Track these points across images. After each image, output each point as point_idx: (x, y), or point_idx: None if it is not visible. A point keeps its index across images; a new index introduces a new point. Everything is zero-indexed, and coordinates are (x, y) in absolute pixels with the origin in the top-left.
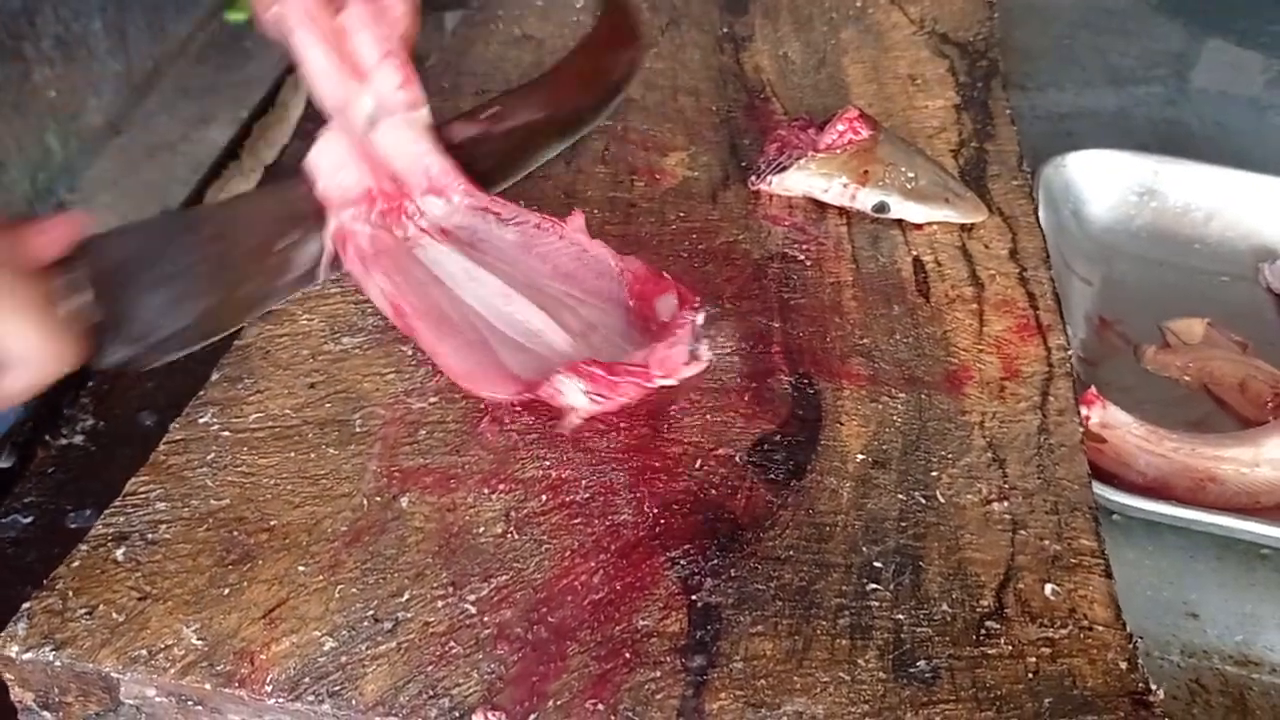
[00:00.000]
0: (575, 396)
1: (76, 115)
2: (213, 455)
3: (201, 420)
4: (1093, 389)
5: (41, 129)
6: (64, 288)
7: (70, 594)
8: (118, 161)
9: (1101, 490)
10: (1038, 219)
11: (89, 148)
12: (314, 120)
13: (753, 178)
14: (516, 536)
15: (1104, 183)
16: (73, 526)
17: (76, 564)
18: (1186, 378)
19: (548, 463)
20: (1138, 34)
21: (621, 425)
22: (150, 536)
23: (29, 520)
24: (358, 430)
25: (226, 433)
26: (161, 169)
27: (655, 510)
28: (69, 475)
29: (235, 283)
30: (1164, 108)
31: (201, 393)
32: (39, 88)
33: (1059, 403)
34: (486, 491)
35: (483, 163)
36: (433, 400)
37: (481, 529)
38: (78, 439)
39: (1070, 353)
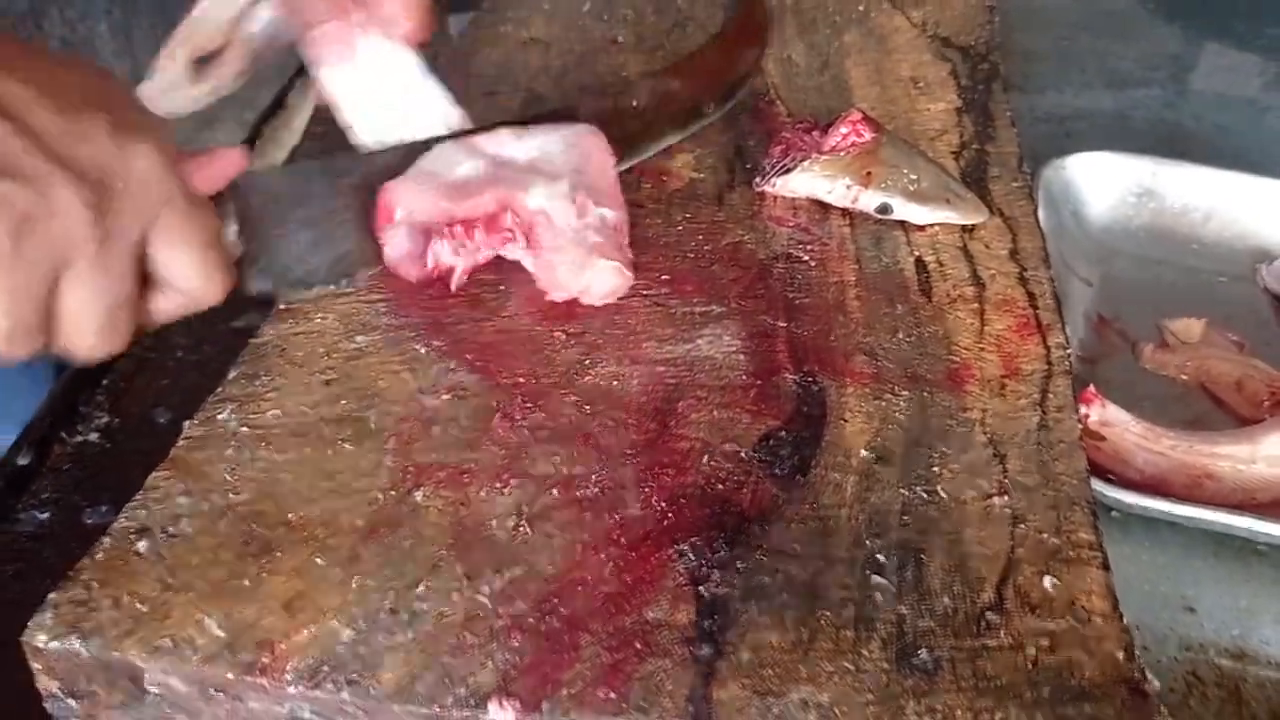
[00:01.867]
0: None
1: None
2: (231, 451)
3: (220, 416)
4: (1091, 387)
5: None
6: (220, 220)
7: (95, 585)
8: None
9: (1100, 487)
10: (1037, 220)
11: None
12: (322, 123)
13: (758, 179)
14: (529, 530)
15: (1103, 184)
16: (89, 522)
17: (100, 556)
18: (1184, 376)
19: (558, 458)
20: (1136, 37)
21: (630, 422)
22: (172, 530)
23: (46, 516)
24: (373, 427)
25: (245, 429)
26: None
27: (664, 504)
28: (85, 472)
29: (370, 228)
30: (1163, 109)
31: (220, 389)
32: None
33: (1058, 400)
34: (499, 486)
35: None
36: (445, 397)
37: (494, 523)
38: (93, 436)
39: (1069, 351)
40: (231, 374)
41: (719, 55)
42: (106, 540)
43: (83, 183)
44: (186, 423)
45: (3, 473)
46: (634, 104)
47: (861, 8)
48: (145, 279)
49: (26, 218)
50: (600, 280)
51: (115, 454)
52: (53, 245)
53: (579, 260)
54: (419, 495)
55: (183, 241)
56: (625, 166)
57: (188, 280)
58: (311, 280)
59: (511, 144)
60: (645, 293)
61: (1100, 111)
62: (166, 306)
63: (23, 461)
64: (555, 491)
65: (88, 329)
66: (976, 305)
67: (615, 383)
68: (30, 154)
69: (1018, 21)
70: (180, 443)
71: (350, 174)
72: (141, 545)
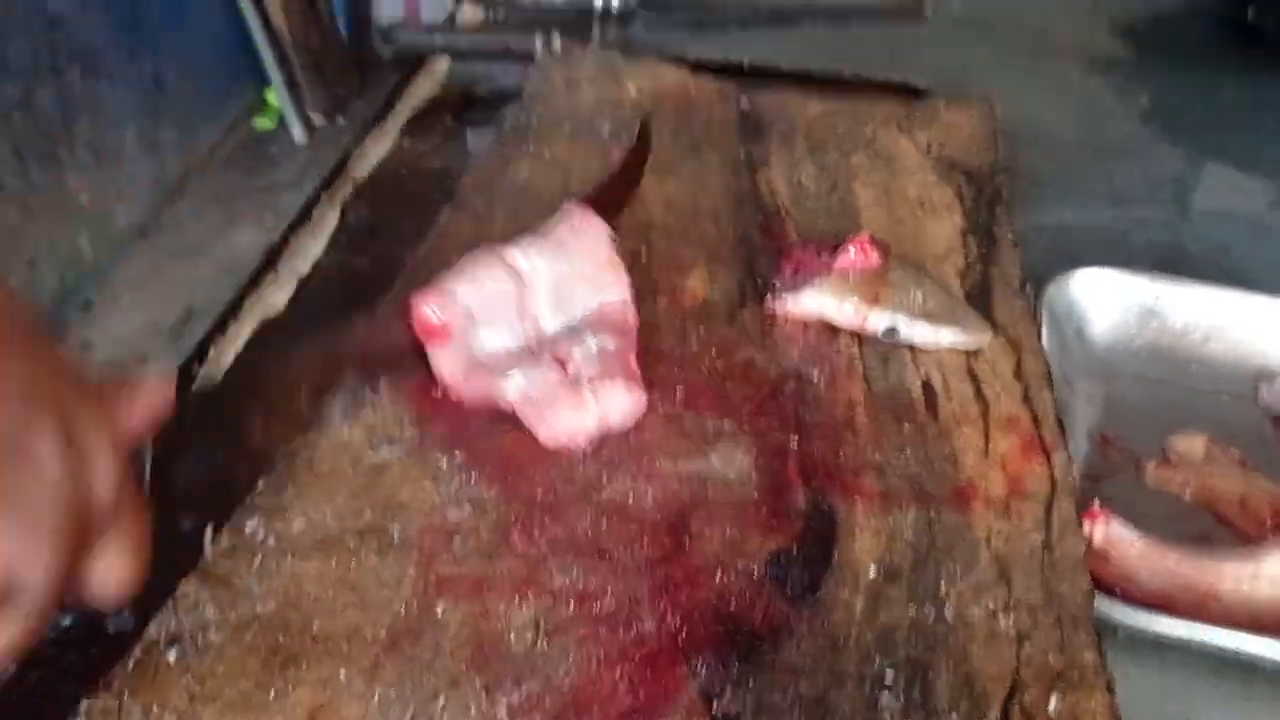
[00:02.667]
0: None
1: (107, 218)
2: (259, 562)
3: (248, 528)
4: (1095, 504)
5: (74, 231)
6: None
7: (125, 694)
8: (146, 264)
9: (1105, 605)
10: (1040, 340)
11: (118, 250)
12: (346, 232)
13: (769, 298)
14: (546, 644)
15: (1106, 302)
16: (112, 630)
17: (131, 665)
18: (1188, 494)
19: (575, 573)
20: (1140, 158)
21: (645, 537)
22: (200, 640)
23: (69, 622)
24: (396, 539)
25: (271, 540)
26: (188, 272)
27: (678, 621)
28: None
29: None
30: (1165, 229)
31: (248, 499)
32: (73, 191)
33: (1062, 519)
34: (517, 600)
35: None
36: (467, 510)
37: (513, 636)
38: None
39: (1073, 470)
40: (260, 485)
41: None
42: (137, 649)
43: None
44: (208, 531)
45: None
46: None
47: (869, 130)
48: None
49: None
50: (613, 407)
51: None
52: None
53: (574, 403)
54: (440, 607)
55: (120, 556)
56: None
57: (116, 590)
58: None
59: (531, 259)
60: (660, 409)
61: (1104, 230)
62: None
63: None
64: (572, 605)
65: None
66: (981, 425)
67: (631, 498)
68: None
69: (1022, 143)
70: (208, 552)
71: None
72: (171, 655)
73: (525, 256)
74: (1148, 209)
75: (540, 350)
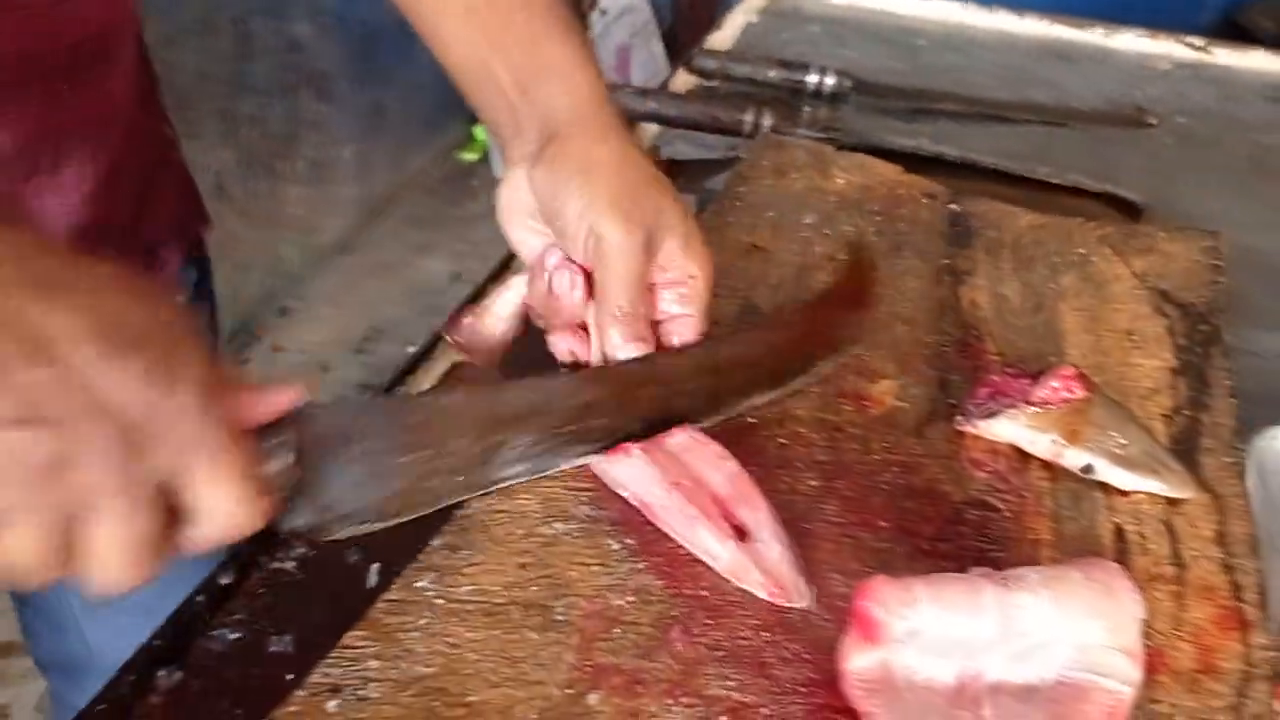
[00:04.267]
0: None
1: (314, 231)
2: (425, 621)
3: (418, 585)
4: None
5: (281, 240)
6: (269, 451)
7: None
8: (342, 278)
9: None
10: (1248, 502)
11: (319, 262)
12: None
13: (960, 418)
14: None
15: None
16: (272, 650)
17: (295, 709)
18: None
19: (731, 683)
20: None
21: (807, 657)
22: (360, 693)
23: (235, 637)
24: (558, 618)
25: (440, 600)
26: (379, 290)
27: None
28: (276, 599)
29: (423, 475)
30: None
31: (422, 557)
32: (287, 203)
33: (1255, 707)
34: (669, 702)
35: (691, 398)
36: (630, 599)
37: None
38: (289, 564)
39: (1273, 654)
40: (435, 542)
41: (819, 315)
42: (300, 693)
43: (113, 428)
44: (374, 566)
45: (207, 589)
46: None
47: (1083, 251)
48: (175, 511)
49: (54, 464)
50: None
51: (305, 585)
52: (78, 490)
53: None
54: (593, 698)
55: (216, 477)
56: (710, 423)
57: (219, 515)
58: (353, 520)
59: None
60: (836, 520)
61: None
62: (199, 538)
63: (224, 581)
64: (725, 718)
65: (111, 566)
66: (1176, 588)
67: (796, 613)
68: (63, 399)
69: (1234, 267)
70: (379, 605)
71: (411, 415)
72: (331, 705)
73: (1035, 598)
74: None
75: (965, 703)
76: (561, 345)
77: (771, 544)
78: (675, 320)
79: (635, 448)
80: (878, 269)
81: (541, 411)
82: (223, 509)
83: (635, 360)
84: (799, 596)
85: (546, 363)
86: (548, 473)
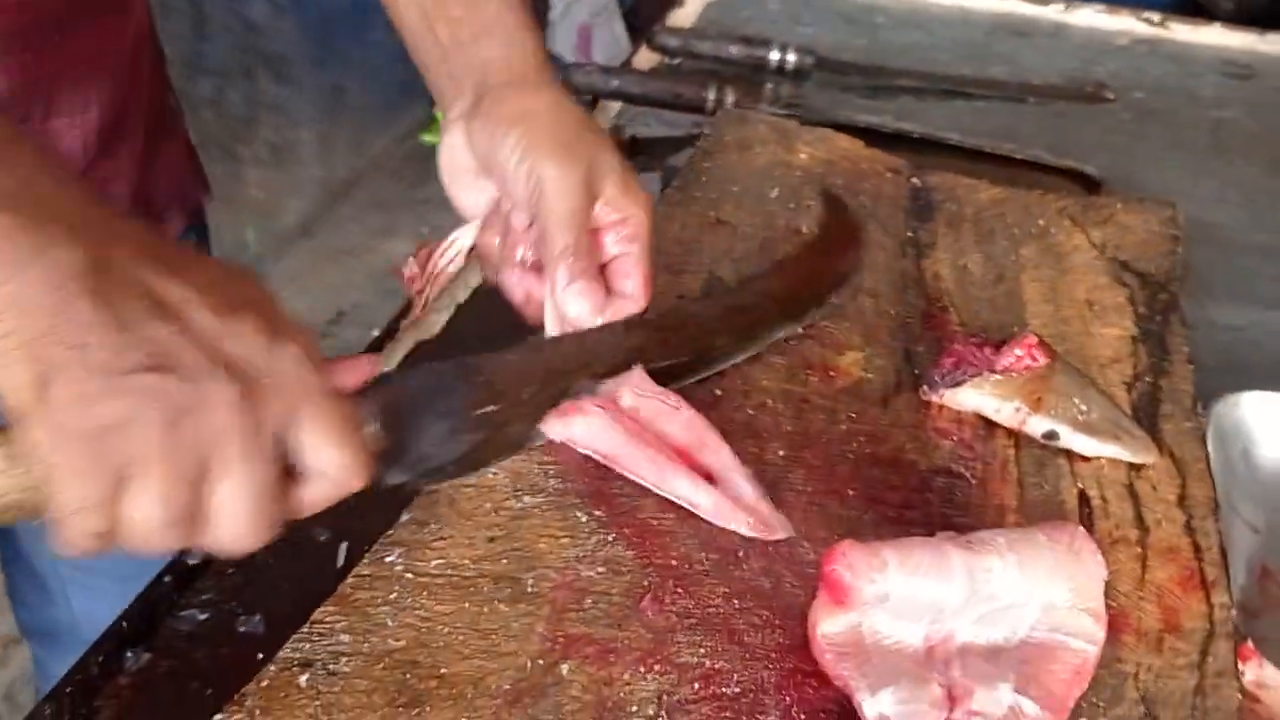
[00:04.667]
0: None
1: (276, 215)
2: (395, 595)
3: (388, 559)
4: (1249, 643)
5: (243, 224)
6: (361, 415)
7: (257, 712)
8: (305, 262)
9: None
10: (1209, 466)
11: (281, 246)
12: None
13: (925, 388)
14: None
15: (1277, 426)
16: (242, 630)
17: (265, 684)
18: None
19: (702, 650)
20: None
21: (777, 624)
22: (331, 667)
23: (204, 617)
24: (529, 590)
25: (409, 575)
26: (343, 274)
27: (803, 716)
28: (245, 578)
29: (501, 424)
30: None
31: (391, 532)
32: (247, 187)
33: (1218, 664)
34: (642, 670)
35: (726, 335)
36: (600, 570)
37: (635, 709)
38: None
39: (1233, 612)
40: (403, 518)
41: (823, 254)
42: (271, 668)
43: (235, 379)
44: (343, 544)
45: (174, 570)
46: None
47: (1042, 222)
48: (288, 472)
49: (183, 410)
50: None
51: (274, 566)
52: (206, 437)
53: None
54: (565, 668)
55: (325, 432)
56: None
57: (331, 468)
58: (445, 473)
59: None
60: (804, 489)
61: (1276, 338)
62: (310, 496)
63: (192, 561)
64: (696, 685)
65: (238, 519)
66: (1139, 550)
67: (766, 580)
68: (188, 350)
69: (1193, 241)
70: (348, 580)
71: (481, 373)
72: (303, 679)
73: (1002, 561)
74: None
75: (935, 665)
76: (517, 288)
77: (742, 483)
78: (621, 259)
79: (594, 405)
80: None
81: (594, 357)
82: (334, 464)
83: (669, 311)
84: (781, 528)
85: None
86: None
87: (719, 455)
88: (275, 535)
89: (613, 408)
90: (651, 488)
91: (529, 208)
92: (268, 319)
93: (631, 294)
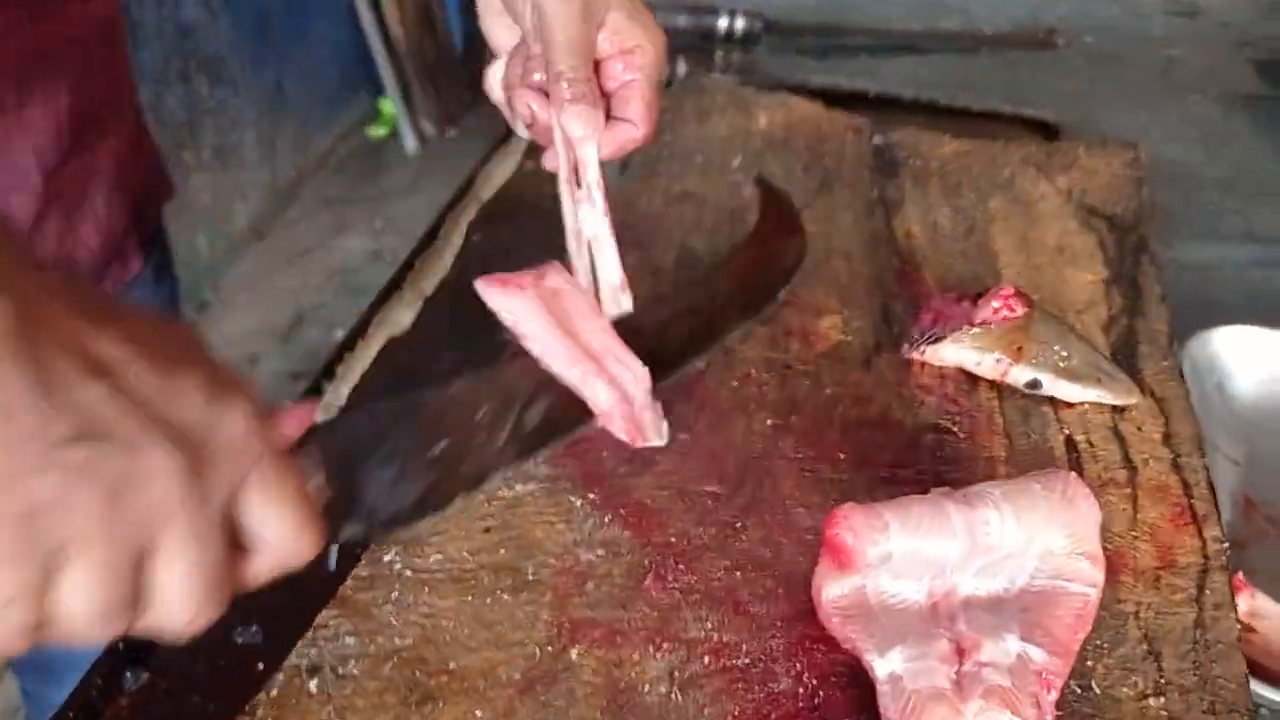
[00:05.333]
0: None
1: (226, 219)
2: (396, 594)
3: (385, 559)
4: (1240, 575)
5: (193, 231)
6: (303, 470)
7: None
8: (259, 264)
9: (1254, 686)
10: (1190, 403)
11: (233, 250)
12: (469, 255)
13: (906, 346)
14: (680, 697)
15: (1250, 359)
16: (240, 641)
17: (274, 693)
18: None
19: (709, 625)
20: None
21: (780, 592)
22: (340, 670)
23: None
24: (530, 578)
25: (409, 572)
26: (299, 275)
27: (814, 682)
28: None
29: (455, 460)
30: None
31: None
32: (194, 191)
33: (1215, 597)
34: (651, 649)
35: (681, 338)
36: (599, 553)
37: (647, 688)
38: None
39: (1226, 545)
40: None
41: (761, 251)
42: (279, 676)
43: (176, 445)
44: (333, 547)
45: None
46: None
47: (1007, 173)
48: (235, 542)
49: (121, 483)
50: None
51: None
52: (146, 511)
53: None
54: (574, 653)
55: (273, 499)
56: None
57: (280, 538)
58: (401, 520)
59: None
60: (795, 455)
61: (1241, 273)
62: (258, 568)
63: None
64: (706, 659)
65: (185, 600)
66: (1129, 490)
67: (766, 549)
68: (125, 416)
69: (1155, 181)
70: (349, 582)
71: (425, 409)
72: (312, 684)
73: (999, 514)
74: None
75: (940, 620)
76: (525, 108)
77: (637, 394)
78: (626, 86)
79: (528, 286)
80: (788, 194)
81: (547, 375)
82: (284, 533)
83: (619, 322)
84: (657, 436)
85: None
86: (568, 437)
87: (623, 362)
88: (222, 612)
89: (538, 285)
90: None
91: (533, 37)
92: (209, 375)
93: (632, 119)
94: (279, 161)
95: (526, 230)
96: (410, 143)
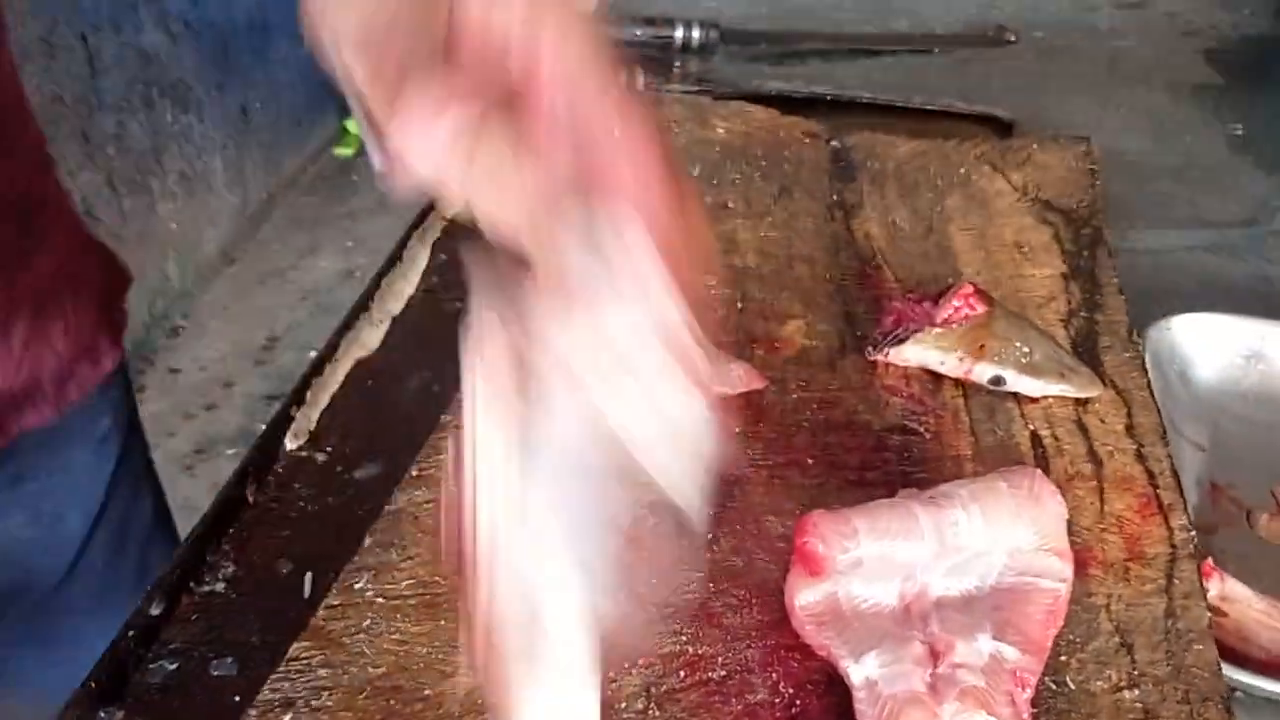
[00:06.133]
0: None
1: (195, 245)
2: (368, 622)
3: (357, 586)
4: (1209, 560)
5: (163, 257)
6: None
7: None
8: (231, 289)
9: (1226, 670)
10: (1152, 393)
11: (204, 275)
12: (438, 274)
13: (870, 348)
14: (657, 713)
15: (1210, 346)
16: (216, 674)
17: None
18: None
19: (684, 638)
20: (1233, 188)
21: (754, 601)
22: (314, 703)
23: (174, 667)
24: None
25: (380, 599)
26: (272, 296)
27: (790, 690)
28: (211, 622)
29: None
30: (1265, 264)
31: (356, 557)
32: (163, 219)
33: (1184, 585)
34: (627, 665)
35: None
36: None
37: (624, 704)
38: (219, 586)
39: (1193, 533)
40: (367, 541)
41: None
42: (252, 713)
43: None
44: (308, 574)
45: (136, 624)
46: None
47: (963, 170)
48: None
49: None
50: None
51: (239, 605)
52: None
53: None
54: None
55: None
56: None
57: None
58: None
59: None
60: (763, 463)
61: (1195, 261)
62: None
63: (154, 612)
64: (682, 673)
65: None
66: (1095, 484)
67: (738, 559)
68: None
69: (1108, 171)
70: (320, 612)
71: None
72: (286, 719)
73: (966, 514)
74: (1240, 239)
75: (913, 623)
76: None
77: None
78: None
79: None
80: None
81: None
82: None
83: None
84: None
85: None
86: None
87: None
88: None
89: None
90: None
91: None
92: None
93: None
94: (248, 184)
95: (492, 247)
96: (378, 161)
